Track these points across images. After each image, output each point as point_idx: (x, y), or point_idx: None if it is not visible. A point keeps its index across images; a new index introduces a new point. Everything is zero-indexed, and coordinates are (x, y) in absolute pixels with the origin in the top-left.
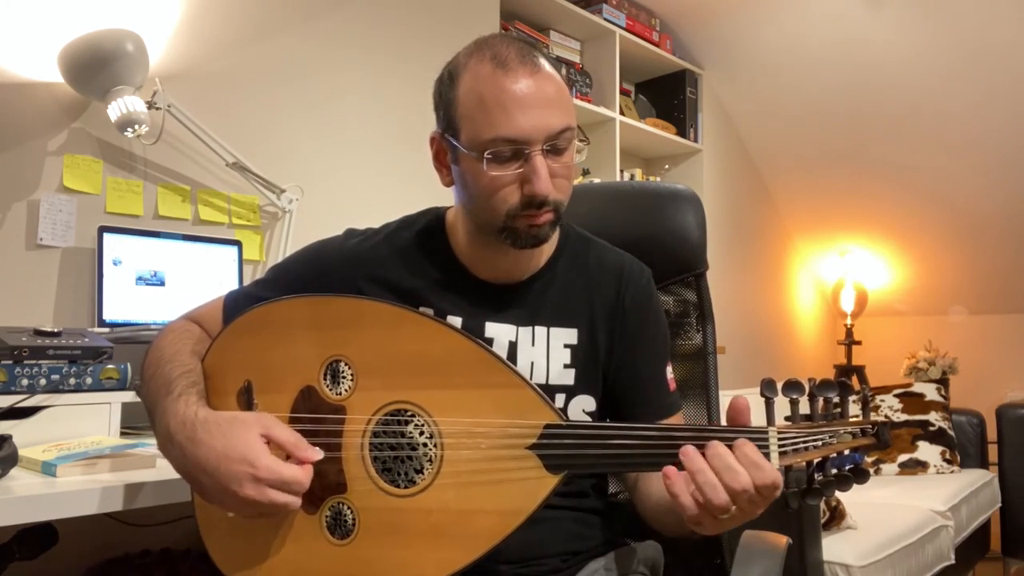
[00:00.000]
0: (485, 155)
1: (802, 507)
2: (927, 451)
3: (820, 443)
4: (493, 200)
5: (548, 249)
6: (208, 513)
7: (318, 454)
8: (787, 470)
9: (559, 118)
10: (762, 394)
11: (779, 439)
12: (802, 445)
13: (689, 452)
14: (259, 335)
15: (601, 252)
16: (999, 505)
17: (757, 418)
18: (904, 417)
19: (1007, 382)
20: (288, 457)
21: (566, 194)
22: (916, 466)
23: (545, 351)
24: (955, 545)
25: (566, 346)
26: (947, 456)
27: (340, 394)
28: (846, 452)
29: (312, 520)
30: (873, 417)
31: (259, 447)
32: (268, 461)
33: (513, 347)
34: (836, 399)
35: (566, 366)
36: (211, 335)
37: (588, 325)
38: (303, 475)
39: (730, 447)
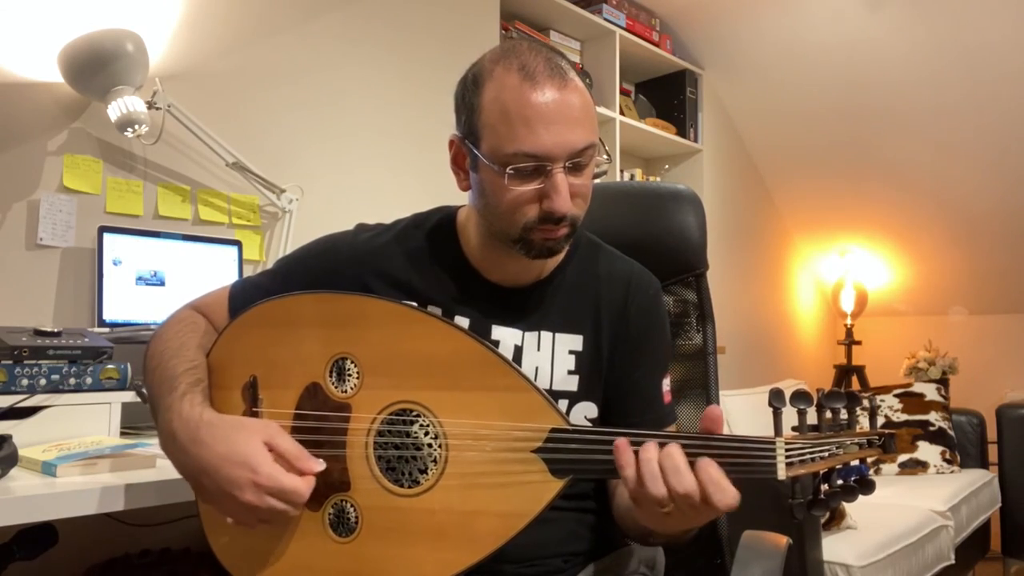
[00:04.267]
0: (507, 170)
1: (807, 518)
2: (927, 451)
3: (827, 454)
4: (512, 214)
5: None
6: (212, 511)
7: (320, 465)
8: (793, 481)
9: (583, 135)
10: (770, 404)
11: (786, 450)
12: (809, 456)
13: (647, 444)
14: (266, 330)
15: (611, 260)
16: (999, 505)
17: (755, 425)
18: (904, 417)
19: (1007, 382)
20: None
21: (583, 209)
22: (916, 466)
23: (550, 357)
24: (955, 545)
25: (571, 352)
26: (947, 456)
27: (346, 392)
28: (852, 463)
29: (315, 517)
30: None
31: (262, 454)
32: (270, 469)
33: (518, 351)
34: (843, 410)
35: (570, 372)
36: (216, 325)
37: (593, 332)
38: (303, 486)
39: (692, 462)
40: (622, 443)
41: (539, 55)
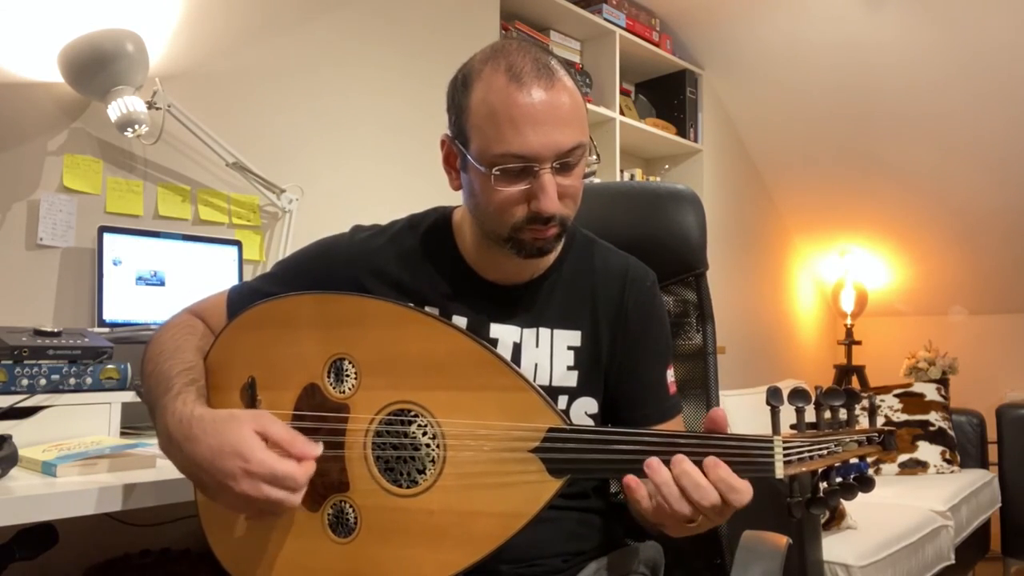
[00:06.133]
0: (494, 171)
1: (805, 516)
2: (927, 451)
3: (825, 452)
4: (500, 214)
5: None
6: (212, 511)
7: (316, 449)
8: (791, 479)
9: (571, 135)
10: (768, 403)
11: (784, 448)
12: (807, 454)
13: (653, 464)
14: (264, 331)
15: (606, 254)
16: (999, 505)
17: (755, 426)
18: (904, 417)
19: (1007, 382)
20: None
21: (573, 209)
22: (916, 466)
23: (549, 353)
24: (955, 545)
25: (569, 348)
26: (947, 456)
27: (344, 392)
28: (852, 461)
29: (314, 518)
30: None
31: (252, 442)
32: (262, 455)
33: (517, 348)
34: (842, 407)
35: (569, 368)
36: (214, 330)
37: (591, 327)
38: (299, 471)
39: (698, 463)
40: (633, 481)
41: (527, 55)
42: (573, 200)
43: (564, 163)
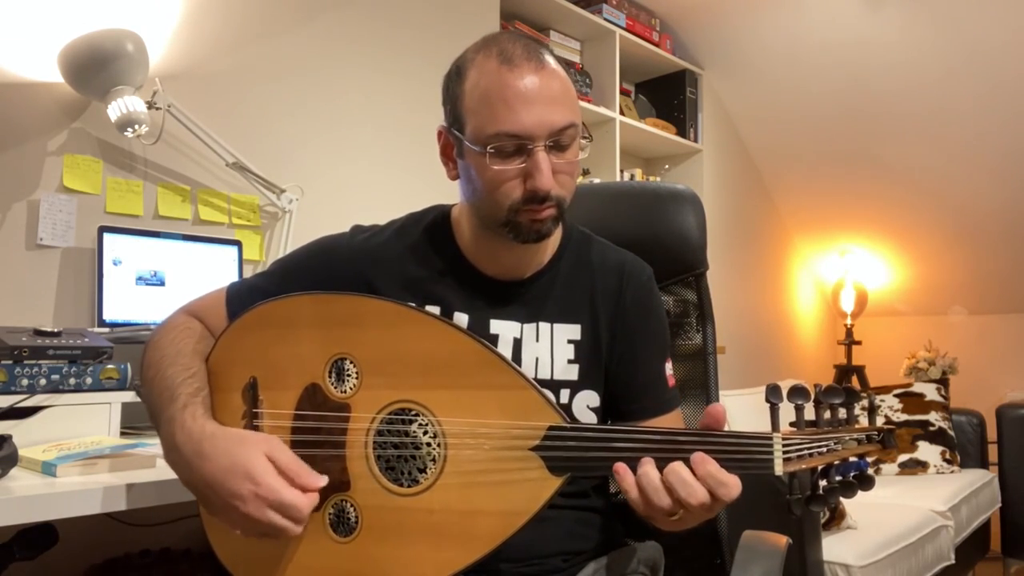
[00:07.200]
0: (488, 149)
1: (805, 513)
2: (927, 451)
3: (825, 450)
4: (496, 194)
5: (551, 247)
6: None
7: (321, 481)
8: (791, 477)
9: (562, 115)
10: (767, 400)
11: (783, 445)
12: (807, 452)
13: (643, 462)
14: (265, 332)
15: (603, 249)
16: (999, 505)
17: (755, 426)
18: (904, 417)
19: (1007, 382)
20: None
21: (569, 191)
22: (916, 466)
23: (549, 347)
24: (955, 545)
25: (570, 342)
26: (947, 456)
27: (345, 392)
28: (851, 459)
29: (316, 517)
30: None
31: (264, 466)
32: (271, 480)
33: (518, 343)
34: (841, 406)
35: (570, 361)
36: (212, 329)
37: (591, 321)
38: (304, 501)
39: (687, 462)
40: (622, 468)
41: (517, 41)
42: (570, 177)
43: (557, 141)
